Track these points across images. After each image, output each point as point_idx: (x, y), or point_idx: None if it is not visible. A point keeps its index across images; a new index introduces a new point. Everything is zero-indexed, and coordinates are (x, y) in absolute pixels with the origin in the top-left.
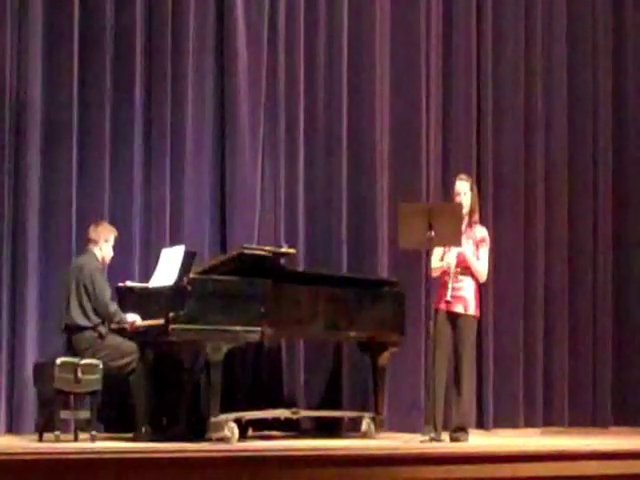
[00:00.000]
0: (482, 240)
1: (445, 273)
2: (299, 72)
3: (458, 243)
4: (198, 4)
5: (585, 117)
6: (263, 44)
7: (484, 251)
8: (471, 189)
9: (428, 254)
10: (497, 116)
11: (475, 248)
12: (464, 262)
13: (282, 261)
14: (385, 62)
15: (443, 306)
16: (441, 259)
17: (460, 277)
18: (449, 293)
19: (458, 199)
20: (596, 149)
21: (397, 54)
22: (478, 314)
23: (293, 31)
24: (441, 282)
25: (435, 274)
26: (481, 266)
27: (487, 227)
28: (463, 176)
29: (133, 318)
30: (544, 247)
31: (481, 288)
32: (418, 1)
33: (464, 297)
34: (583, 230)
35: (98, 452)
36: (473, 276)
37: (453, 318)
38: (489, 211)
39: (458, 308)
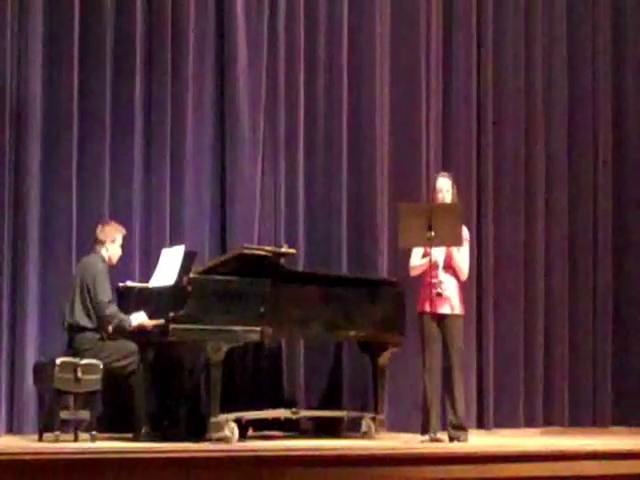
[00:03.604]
0: (464, 239)
1: (426, 273)
2: (299, 72)
3: (458, 243)
4: (198, 4)
5: (585, 117)
6: (263, 44)
7: (465, 249)
8: (452, 187)
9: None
10: (497, 116)
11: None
12: (449, 260)
13: (282, 261)
14: (385, 62)
15: (428, 308)
16: (423, 257)
17: (444, 276)
18: (438, 286)
19: (440, 196)
20: (596, 148)
21: (397, 54)
22: (463, 312)
23: (293, 31)
24: (423, 282)
25: (415, 273)
26: (464, 263)
27: (487, 227)
28: (445, 173)
29: (138, 318)
30: (544, 247)
31: (464, 287)
32: (418, 1)
33: (449, 297)
34: (583, 230)
35: (98, 452)
36: (455, 274)
37: (440, 320)
38: (489, 211)
39: (444, 309)
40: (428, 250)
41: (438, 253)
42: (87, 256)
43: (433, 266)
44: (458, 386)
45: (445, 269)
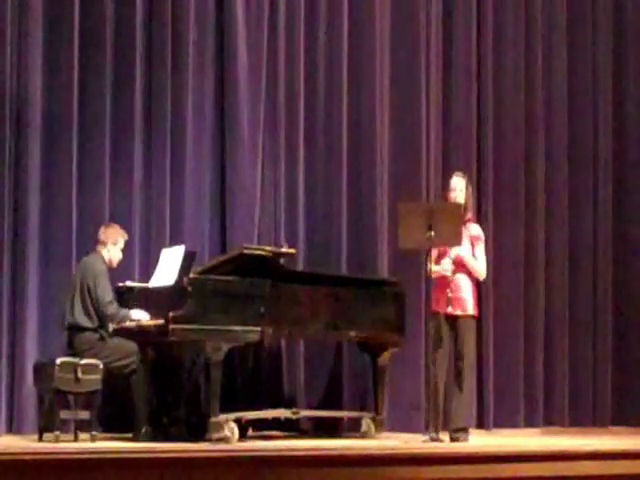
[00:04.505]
0: (477, 238)
1: (442, 276)
2: (299, 72)
3: (458, 243)
4: (198, 4)
5: (585, 117)
6: (263, 44)
7: (480, 249)
8: (466, 187)
9: (427, 256)
10: (497, 116)
11: (471, 246)
12: (462, 264)
13: (282, 261)
14: (385, 62)
15: (442, 309)
16: (436, 261)
17: (457, 276)
18: (449, 300)
19: (453, 195)
20: (596, 149)
21: (397, 55)
22: (477, 313)
23: (293, 31)
24: (437, 283)
25: (433, 276)
26: (479, 265)
27: (487, 227)
28: (459, 173)
29: (139, 315)
30: (544, 247)
31: (480, 286)
32: (418, 1)
33: (462, 298)
34: (583, 230)
35: (98, 452)
36: (470, 275)
37: (452, 320)
38: (489, 211)
39: (457, 310)
40: (442, 251)
41: (447, 261)
42: (87, 256)
43: (444, 274)
44: (467, 387)
45: (458, 270)
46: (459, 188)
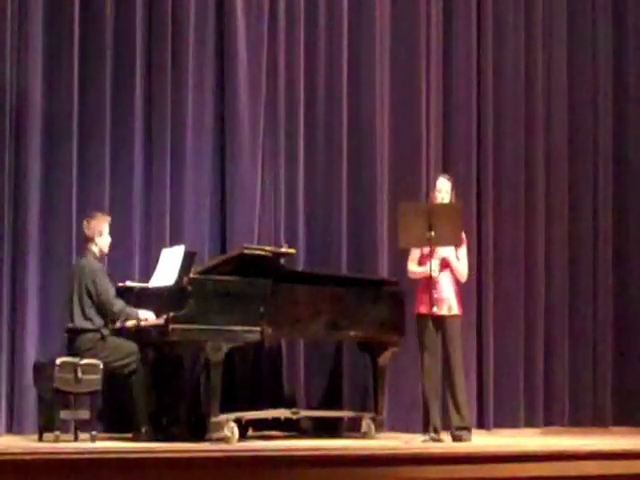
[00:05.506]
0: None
1: (426, 277)
2: (299, 72)
3: (458, 243)
4: (198, 4)
5: (585, 117)
6: (263, 44)
7: (463, 251)
8: (452, 189)
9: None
10: (497, 116)
11: (454, 249)
12: (447, 266)
13: (282, 261)
14: (385, 63)
15: (426, 310)
16: (418, 262)
17: (441, 277)
18: (435, 301)
19: (439, 196)
20: (596, 148)
21: (397, 55)
22: (461, 312)
23: (293, 31)
24: (420, 285)
25: (414, 277)
26: (462, 267)
27: (487, 227)
28: (446, 175)
29: (146, 315)
30: (544, 247)
31: (462, 286)
32: (418, 1)
33: (446, 298)
34: (583, 230)
35: (98, 452)
36: (452, 274)
37: (438, 321)
38: (489, 211)
39: (442, 310)
40: (425, 251)
41: (435, 263)
42: (80, 258)
43: (431, 276)
44: (459, 387)
45: (443, 270)
46: (445, 190)
